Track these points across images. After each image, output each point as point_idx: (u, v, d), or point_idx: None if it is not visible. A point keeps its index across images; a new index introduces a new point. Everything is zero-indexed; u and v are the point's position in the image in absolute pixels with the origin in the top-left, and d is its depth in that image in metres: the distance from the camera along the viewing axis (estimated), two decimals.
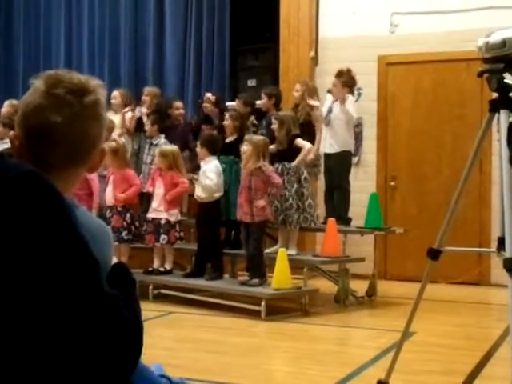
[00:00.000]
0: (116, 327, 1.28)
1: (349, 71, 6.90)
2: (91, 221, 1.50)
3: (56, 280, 1.25)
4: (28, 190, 1.28)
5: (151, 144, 7.56)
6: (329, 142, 6.89)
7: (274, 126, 6.55)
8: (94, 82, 1.56)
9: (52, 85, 1.49)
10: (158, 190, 6.71)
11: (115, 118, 7.75)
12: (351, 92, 7.01)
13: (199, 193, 6.56)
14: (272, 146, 6.51)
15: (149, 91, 8.14)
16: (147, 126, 7.63)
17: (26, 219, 1.26)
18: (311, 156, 6.67)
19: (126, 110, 7.91)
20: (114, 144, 6.85)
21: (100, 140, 1.56)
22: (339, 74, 6.89)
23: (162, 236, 6.61)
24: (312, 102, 6.89)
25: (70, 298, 1.25)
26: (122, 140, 7.44)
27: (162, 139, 7.51)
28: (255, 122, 7.42)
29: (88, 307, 1.25)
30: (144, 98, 8.10)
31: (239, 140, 6.72)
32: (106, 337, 1.26)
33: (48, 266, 1.25)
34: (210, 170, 6.50)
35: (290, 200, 6.41)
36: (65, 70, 1.58)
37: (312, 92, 7.04)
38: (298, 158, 6.55)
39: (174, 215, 6.67)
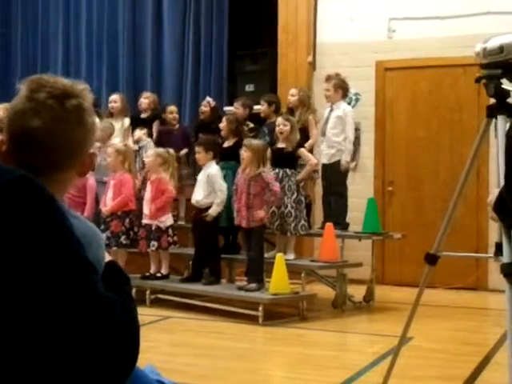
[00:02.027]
0: (112, 330, 1.28)
1: (337, 74, 6.92)
2: (82, 224, 1.49)
3: (51, 284, 1.25)
4: (21, 195, 1.28)
5: (140, 148, 7.55)
6: (325, 152, 6.87)
7: (286, 128, 6.49)
8: (80, 87, 1.54)
9: (34, 89, 1.49)
10: (146, 196, 6.71)
11: (114, 122, 7.74)
12: (345, 96, 7.01)
13: (198, 198, 6.54)
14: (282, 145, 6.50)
15: (146, 96, 8.14)
16: (138, 131, 7.61)
17: (19, 224, 1.26)
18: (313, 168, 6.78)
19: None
20: (121, 146, 6.86)
21: (86, 144, 1.55)
22: (328, 78, 6.92)
23: (152, 242, 6.61)
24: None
25: (65, 301, 1.25)
26: (130, 145, 7.41)
27: (146, 141, 7.51)
28: (252, 126, 7.41)
29: (84, 311, 1.25)
30: (142, 100, 8.10)
31: (238, 145, 6.71)
32: (102, 340, 1.26)
33: (43, 271, 1.25)
34: (214, 174, 6.48)
35: (289, 207, 6.41)
36: (50, 74, 1.57)
37: (307, 100, 7.09)
38: (303, 173, 6.58)
39: (164, 221, 6.65)
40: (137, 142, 7.62)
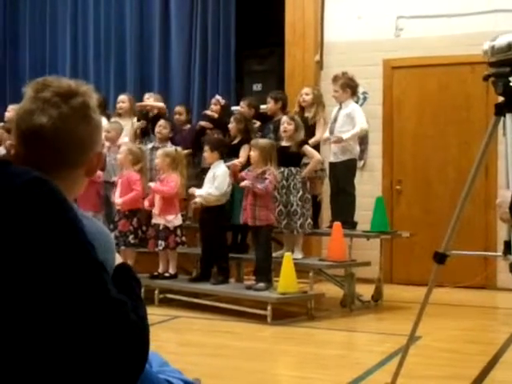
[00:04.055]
0: (123, 331, 1.28)
1: (344, 73, 6.90)
2: (93, 225, 1.50)
3: (64, 286, 1.25)
4: (35, 196, 1.29)
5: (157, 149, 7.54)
6: (333, 151, 6.86)
7: (290, 127, 6.48)
8: (84, 87, 1.58)
9: (39, 89, 1.52)
10: (157, 195, 6.72)
11: (123, 122, 7.73)
12: (354, 94, 6.99)
13: (198, 198, 6.54)
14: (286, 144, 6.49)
15: (147, 98, 8.12)
16: (160, 128, 7.55)
17: (32, 226, 1.27)
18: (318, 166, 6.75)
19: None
20: (135, 148, 6.88)
21: (93, 143, 1.57)
22: (335, 79, 6.90)
23: (160, 242, 6.61)
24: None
25: (77, 303, 1.25)
26: (139, 146, 7.40)
27: (169, 144, 7.50)
28: (258, 125, 7.41)
29: (95, 312, 1.26)
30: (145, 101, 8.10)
31: (243, 142, 6.73)
32: (113, 341, 1.27)
33: (56, 272, 1.25)
34: (221, 173, 6.49)
35: (295, 205, 6.41)
36: (54, 76, 1.60)
37: (321, 97, 7.10)
38: (307, 169, 6.57)
39: (172, 221, 6.64)
40: (160, 141, 7.51)
